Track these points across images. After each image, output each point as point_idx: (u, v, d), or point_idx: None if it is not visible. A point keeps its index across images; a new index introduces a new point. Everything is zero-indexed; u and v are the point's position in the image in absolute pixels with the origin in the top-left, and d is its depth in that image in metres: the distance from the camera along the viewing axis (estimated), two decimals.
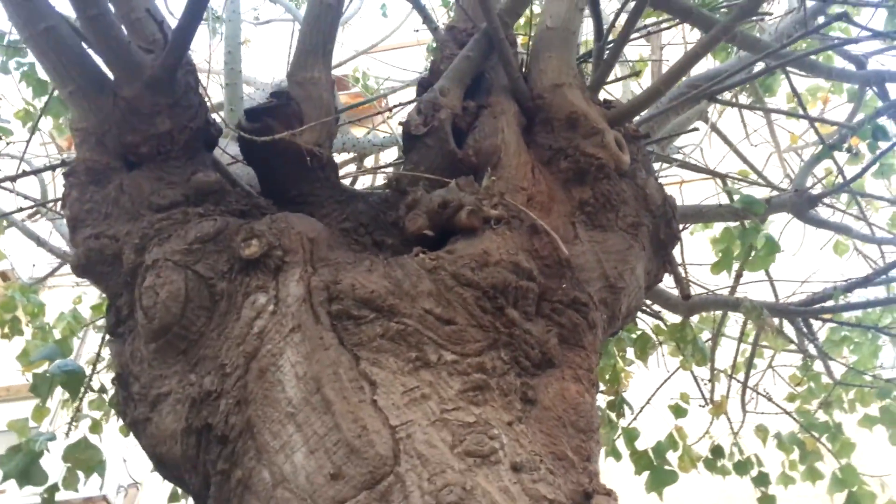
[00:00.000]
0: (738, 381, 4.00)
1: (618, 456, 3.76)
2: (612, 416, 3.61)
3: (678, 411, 3.60)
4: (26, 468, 3.33)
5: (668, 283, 3.67)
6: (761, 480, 3.87)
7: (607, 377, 3.50)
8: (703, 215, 2.70)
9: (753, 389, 4.08)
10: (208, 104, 2.18)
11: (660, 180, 2.43)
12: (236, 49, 3.33)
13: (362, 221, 2.08)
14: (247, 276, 1.77)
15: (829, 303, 3.40)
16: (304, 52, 2.20)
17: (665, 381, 3.91)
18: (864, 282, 3.22)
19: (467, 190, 1.94)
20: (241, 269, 1.77)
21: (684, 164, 3.65)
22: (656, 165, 3.98)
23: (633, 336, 3.34)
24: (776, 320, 3.51)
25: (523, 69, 2.39)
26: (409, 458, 1.48)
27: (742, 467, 3.84)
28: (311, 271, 1.77)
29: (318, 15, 2.21)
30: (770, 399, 4.15)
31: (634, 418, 3.94)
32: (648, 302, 3.46)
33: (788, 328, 4.08)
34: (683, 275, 2.60)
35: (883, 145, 2.72)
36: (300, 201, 2.13)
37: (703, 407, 3.88)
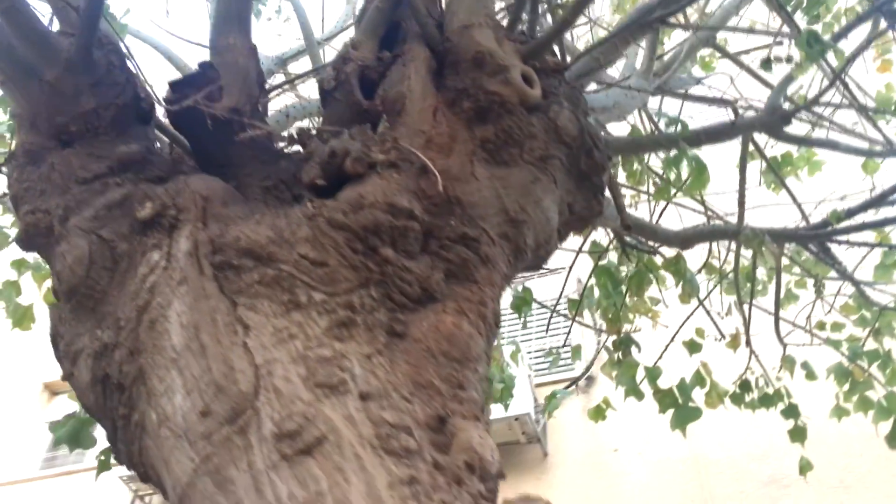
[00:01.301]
0: (769, 312, 3.87)
1: (639, 395, 3.74)
2: (618, 355, 3.59)
3: (693, 347, 3.53)
4: (76, 433, 3.64)
5: (665, 219, 3.61)
6: (790, 412, 3.76)
7: (609, 316, 3.48)
8: (639, 146, 2.63)
9: (787, 321, 3.94)
10: (141, 78, 2.32)
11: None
12: None
13: (283, 178, 2.17)
14: (145, 237, 1.89)
15: (845, 224, 3.25)
16: (221, 18, 2.30)
17: (688, 317, 3.85)
18: (872, 203, 3.05)
19: (358, 138, 2.00)
20: (140, 231, 1.90)
21: (687, 96, 3.55)
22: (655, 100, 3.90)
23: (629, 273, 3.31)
24: (790, 246, 3.40)
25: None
26: (267, 393, 1.57)
27: (769, 400, 3.74)
28: (202, 227, 1.88)
29: None
30: (809, 331, 4.00)
31: (660, 357, 3.90)
32: (643, 239, 3.40)
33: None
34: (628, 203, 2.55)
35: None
36: (225, 164, 2.24)
37: (719, 341, 3.80)
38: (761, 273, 4.01)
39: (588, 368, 6.64)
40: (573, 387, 8.35)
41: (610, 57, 2.80)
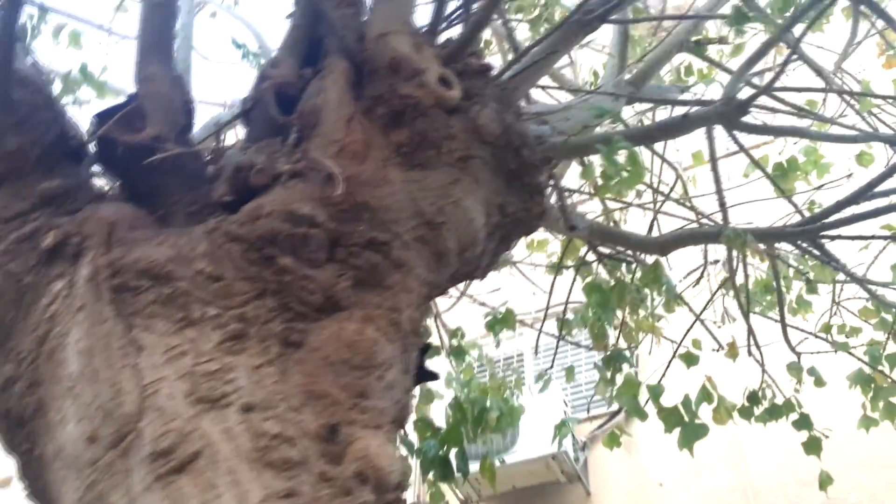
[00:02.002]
0: (775, 320, 3.68)
1: (642, 415, 3.57)
2: (608, 373, 3.43)
3: (689, 360, 3.37)
4: None
5: (641, 225, 3.48)
6: (803, 423, 3.54)
7: (595, 332, 3.34)
8: (586, 147, 2.51)
9: (796, 328, 3.74)
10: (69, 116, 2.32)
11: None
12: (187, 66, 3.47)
13: (207, 203, 2.14)
14: (50, 267, 1.86)
15: (835, 217, 3.08)
16: (143, 50, 2.29)
17: (687, 331, 3.69)
18: (861, 193, 2.88)
19: (264, 151, 1.95)
20: (46, 262, 1.87)
21: (659, 101, 3.44)
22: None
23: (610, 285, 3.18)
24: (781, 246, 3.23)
25: None
26: (151, 413, 1.51)
27: (778, 411, 3.53)
28: (104, 252, 1.84)
29: (148, 15, 2.30)
30: (819, 336, 3.79)
31: (664, 374, 3.73)
32: (621, 249, 3.27)
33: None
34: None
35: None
36: (154, 193, 2.21)
37: (717, 351, 3.62)
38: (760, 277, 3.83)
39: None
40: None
41: (552, 59, 2.72)
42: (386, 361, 1.70)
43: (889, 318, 3.98)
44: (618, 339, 3.98)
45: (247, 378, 1.54)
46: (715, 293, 3.60)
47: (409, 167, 2.01)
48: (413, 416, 3.86)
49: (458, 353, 3.13)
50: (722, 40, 2.80)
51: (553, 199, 2.34)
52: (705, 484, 7.52)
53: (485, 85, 2.23)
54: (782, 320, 3.66)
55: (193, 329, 1.65)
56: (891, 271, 4.10)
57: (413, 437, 3.84)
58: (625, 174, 2.30)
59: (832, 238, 3.07)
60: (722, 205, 3.10)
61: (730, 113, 2.66)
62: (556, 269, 3.40)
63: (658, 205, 3.44)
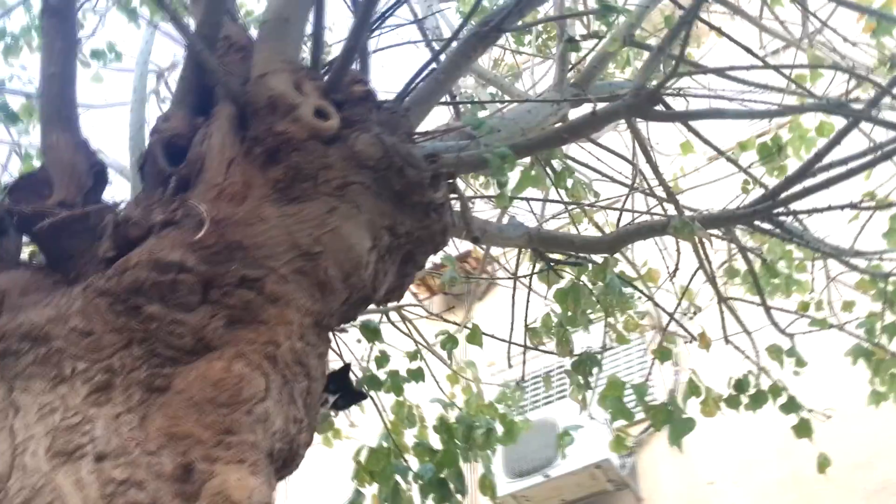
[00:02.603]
0: (756, 304, 3.58)
1: (629, 416, 3.51)
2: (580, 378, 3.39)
3: (663, 355, 3.31)
4: None
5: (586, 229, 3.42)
6: (790, 407, 3.43)
7: (561, 338, 3.31)
8: (478, 162, 2.48)
9: (780, 309, 3.62)
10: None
11: None
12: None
13: (99, 261, 2.20)
14: None
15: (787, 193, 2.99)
16: (45, 120, 2.39)
17: (667, 326, 3.61)
18: (808, 167, 2.80)
19: (142, 203, 2.01)
20: None
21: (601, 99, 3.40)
22: None
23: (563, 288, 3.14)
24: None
25: None
26: (17, 472, 1.56)
27: (762, 397, 3.43)
28: None
29: (44, 87, 2.40)
30: (805, 315, 3.66)
31: (649, 373, 3.67)
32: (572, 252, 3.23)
33: None
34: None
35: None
36: (65, 256, 2.29)
37: (690, 343, 3.54)
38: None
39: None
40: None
41: (453, 74, 2.73)
42: (255, 395, 1.73)
43: (889, 287, 3.85)
44: (604, 340, 3.94)
45: (104, 428, 1.59)
46: (687, 286, 3.53)
47: (286, 202, 2.04)
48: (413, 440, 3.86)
49: (371, 382, 3.12)
50: (594, 35, 2.77)
51: (457, 211, 2.34)
52: (756, 478, 7.32)
53: (368, 111, 2.26)
54: (763, 303, 3.56)
55: (65, 385, 1.71)
56: (882, 239, 3.97)
57: (413, 461, 3.85)
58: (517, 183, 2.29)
59: (786, 215, 2.99)
60: (669, 195, 3.05)
61: (640, 105, 2.63)
62: (514, 279, 3.38)
63: (623, 200, 3.41)
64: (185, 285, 1.83)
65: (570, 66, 3.48)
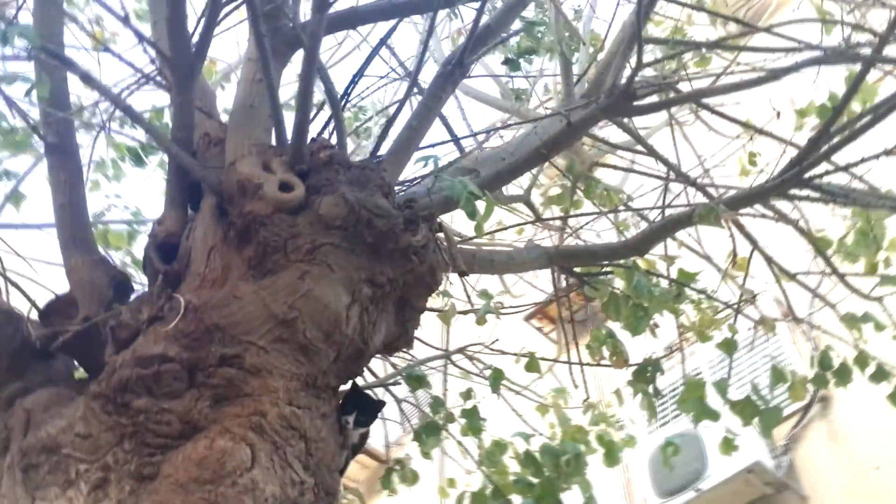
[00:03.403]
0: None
1: (714, 416, 3.35)
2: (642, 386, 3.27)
3: (728, 346, 3.15)
4: None
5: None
6: (880, 376, 3.16)
7: (616, 350, 3.21)
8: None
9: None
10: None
11: None
12: None
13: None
14: None
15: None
16: (62, 245, 2.60)
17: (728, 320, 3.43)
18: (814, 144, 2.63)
19: (133, 305, 2.16)
20: None
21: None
22: None
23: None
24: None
25: None
26: None
27: (847, 372, 3.18)
28: (22, 438, 2.09)
29: (57, 216, 2.62)
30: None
31: (730, 369, 3.49)
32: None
33: None
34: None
35: None
36: (98, 367, 2.47)
37: (754, 329, 3.35)
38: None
39: (815, 394, 6.04)
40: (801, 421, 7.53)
41: (426, 118, 2.73)
42: (239, 467, 1.80)
43: None
44: (681, 343, 3.80)
45: None
46: (747, 270, 3.36)
47: (261, 276, 2.14)
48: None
49: (429, 429, 3.10)
50: (531, 51, 2.72)
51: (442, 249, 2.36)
52: None
53: (335, 173, 2.33)
54: (834, 271, 3.33)
55: (72, 488, 1.84)
56: None
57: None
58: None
59: (813, 188, 2.80)
60: (693, 183, 2.94)
61: (616, 104, 2.57)
62: (556, 300, 3.33)
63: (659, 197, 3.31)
64: (170, 374, 1.95)
65: (577, 78, 3.46)
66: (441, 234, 2.46)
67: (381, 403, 2.35)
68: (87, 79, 2.48)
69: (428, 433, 3.08)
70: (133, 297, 2.32)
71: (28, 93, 2.49)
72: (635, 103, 2.64)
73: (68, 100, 2.70)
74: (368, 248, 2.23)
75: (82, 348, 2.47)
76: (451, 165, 2.83)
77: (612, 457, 4.13)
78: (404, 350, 2.55)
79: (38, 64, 2.60)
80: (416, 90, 2.91)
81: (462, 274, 2.46)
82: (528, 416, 4.01)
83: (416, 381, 3.11)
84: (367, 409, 2.28)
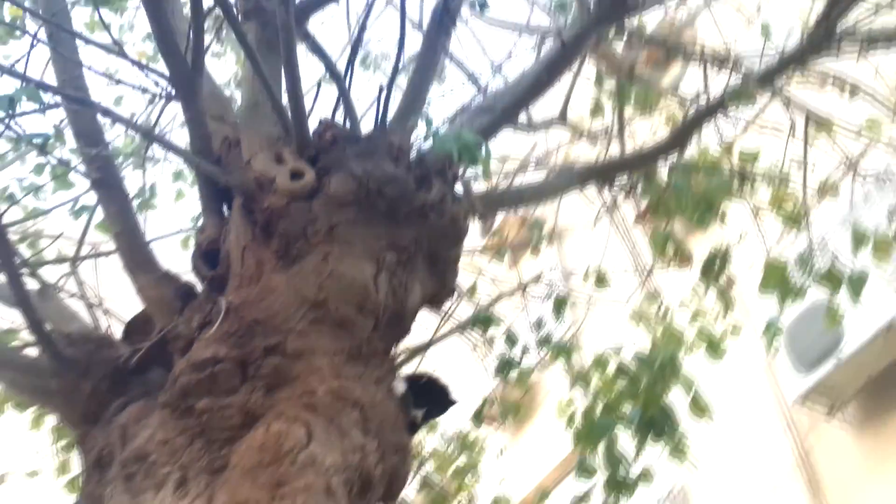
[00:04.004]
0: None
1: (801, 293, 3.26)
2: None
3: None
4: None
5: None
6: None
7: (678, 250, 3.16)
8: None
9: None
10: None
11: None
12: None
13: None
14: (102, 477, 2.38)
15: None
16: (128, 272, 2.81)
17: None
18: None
19: (186, 315, 2.34)
20: (98, 474, 2.40)
21: None
22: None
23: None
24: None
25: None
26: None
27: None
28: (121, 450, 2.32)
29: (118, 244, 2.82)
30: None
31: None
32: None
33: None
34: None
35: None
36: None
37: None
38: None
39: None
40: None
41: (428, 72, 2.71)
42: (296, 445, 1.95)
43: None
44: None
45: None
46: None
47: (289, 265, 2.26)
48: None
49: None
50: None
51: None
52: None
53: (342, 151, 2.42)
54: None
55: (163, 489, 2.05)
56: None
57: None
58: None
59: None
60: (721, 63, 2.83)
61: (609, 12, 2.49)
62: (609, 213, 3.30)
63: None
64: (223, 374, 2.11)
65: None
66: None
67: (453, 402, 2.44)
68: (107, 113, 2.65)
69: (505, 370, 3.17)
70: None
71: (43, 147, 2.69)
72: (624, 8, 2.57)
73: (102, 135, 2.88)
74: (384, 216, 2.31)
75: (166, 358, 2.70)
76: (470, 105, 2.85)
77: (714, 350, 4.11)
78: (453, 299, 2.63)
79: (64, 108, 2.79)
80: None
81: (482, 219, 2.51)
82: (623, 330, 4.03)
83: (485, 322, 3.19)
84: (439, 404, 2.38)
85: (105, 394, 2.68)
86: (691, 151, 3.39)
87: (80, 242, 3.73)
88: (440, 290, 2.48)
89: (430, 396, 2.45)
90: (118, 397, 2.67)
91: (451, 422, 4.75)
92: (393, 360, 2.39)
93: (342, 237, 2.25)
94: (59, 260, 3.84)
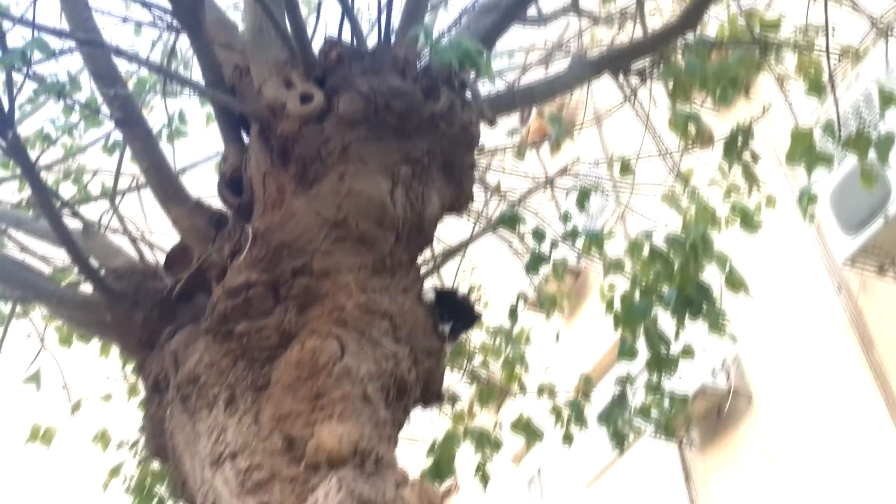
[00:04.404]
0: None
1: (829, 161, 3.21)
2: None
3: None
4: None
5: None
6: None
7: (699, 130, 3.13)
8: None
9: None
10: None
11: None
12: None
13: None
14: (160, 399, 2.55)
15: None
16: (161, 205, 2.92)
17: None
18: None
19: (218, 243, 2.44)
20: (157, 397, 2.57)
21: None
22: None
23: None
24: None
25: None
26: (204, 485, 2.11)
27: None
28: (175, 374, 2.48)
29: (147, 179, 2.92)
30: None
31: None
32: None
33: None
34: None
35: None
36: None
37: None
38: None
39: None
40: None
41: None
42: (331, 359, 2.08)
43: None
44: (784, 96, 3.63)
45: (233, 432, 2.05)
46: None
47: (308, 188, 2.33)
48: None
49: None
50: None
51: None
52: None
53: (348, 69, 2.44)
54: None
55: (215, 408, 2.21)
56: None
57: None
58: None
59: None
60: None
61: None
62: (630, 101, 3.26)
63: None
64: (257, 297, 2.23)
65: None
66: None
67: (477, 316, 2.53)
68: (120, 53, 2.70)
69: (535, 265, 3.24)
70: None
71: (60, 94, 2.76)
72: None
73: (119, 75, 2.94)
74: (395, 131, 2.35)
75: (207, 284, 2.83)
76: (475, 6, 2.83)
77: (749, 223, 4.12)
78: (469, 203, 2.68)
79: (79, 51, 2.85)
80: None
81: (490, 123, 2.53)
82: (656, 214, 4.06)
83: (511, 221, 3.25)
84: (464, 317, 2.47)
85: (156, 322, 2.84)
86: (712, 28, 3.32)
87: (117, 176, 3.84)
88: (459, 197, 2.53)
89: (455, 311, 2.54)
90: (168, 324, 2.82)
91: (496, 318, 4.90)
92: (418, 269, 2.47)
93: (356, 155, 2.31)
94: (99, 196, 3.98)
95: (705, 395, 8.32)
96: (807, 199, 4.10)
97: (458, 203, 2.56)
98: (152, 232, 3.71)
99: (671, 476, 8.94)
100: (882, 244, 7.12)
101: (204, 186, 3.31)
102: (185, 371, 2.36)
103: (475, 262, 5.09)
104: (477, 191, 3.32)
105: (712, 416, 8.53)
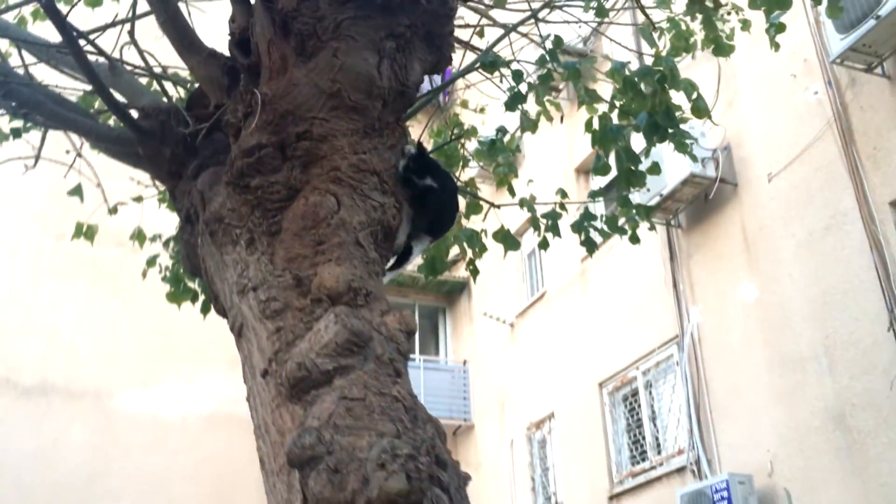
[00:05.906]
0: None
1: None
2: None
3: None
4: None
5: None
6: None
7: None
8: None
9: None
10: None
11: None
12: None
13: None
14: (192, 229, 3.09)
15: None
16: (179, 53, 3.28)
17: None
18: None
19: (233, 103, 2.86)
20: (189, 226, 3.11)
21: None
22: None
23: None
24: None
25: None
26: (233, 308, 2.69)
27: None
28: (202, 209, 2.99)
29: (165, 31, 3.26)
30: None
31: None
32: None
33: None
34: None
35: None
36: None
37: None
38: None
39: None
40: None
41: None
42: (329, 212, 2.57)
43: None
44: None
45: (254, 269, 2.59)
46: None
47: (307, 60, 2.71)
48: None
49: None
50: None
51: None
52: None
53: None
54: None
55: (238, 245, 2.74)
56: None
57: None
58: None
59: None
60: None
61: None
62: None
63: None
64: (268, 156, 2.68)
65: None
66: None
67: (453, 182, 2.91)
68: None
69: (512, 104, 3.62)
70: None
71: None
72: None
73: None
74: (381, 8, 2.68)
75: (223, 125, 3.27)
76: None
77: (722, 48, 4.43)
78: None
79: None
80: None
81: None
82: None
83: (490, 66, 3.59)
84: (439, 175, 2.89)
85: (182, 156, 3.32)
86: None
87: (133, 5, 4.14)
88: (439, 61, 2.89)
89: (430, 169, 2.97)
90: (193, 157, 3.30)
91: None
92: (403, 128, 2.90)
93: (346, 33, 2.66)
94: (115, 23, 4.27)
95: (693, 181, 8.87)
96: (774, 30, 4.37)
97: (439, 66, 2.93)
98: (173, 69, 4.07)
99: (658, 254, 9.71)
100: (872, 43, 7.32)
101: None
102: (212, 210, 2.86)
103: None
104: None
105: (699, 200, 9.13)
